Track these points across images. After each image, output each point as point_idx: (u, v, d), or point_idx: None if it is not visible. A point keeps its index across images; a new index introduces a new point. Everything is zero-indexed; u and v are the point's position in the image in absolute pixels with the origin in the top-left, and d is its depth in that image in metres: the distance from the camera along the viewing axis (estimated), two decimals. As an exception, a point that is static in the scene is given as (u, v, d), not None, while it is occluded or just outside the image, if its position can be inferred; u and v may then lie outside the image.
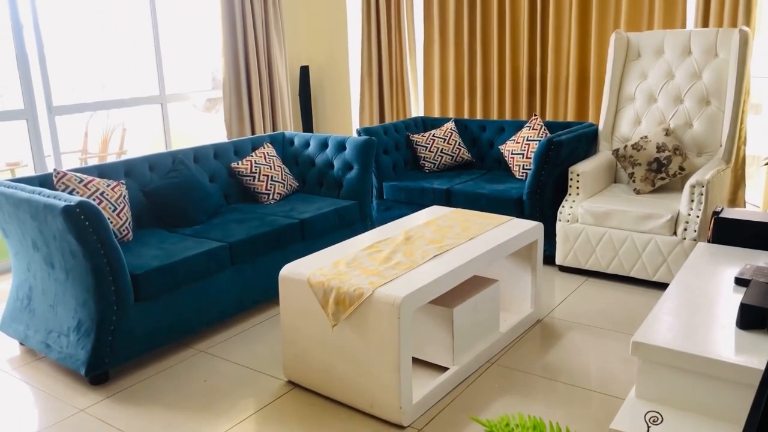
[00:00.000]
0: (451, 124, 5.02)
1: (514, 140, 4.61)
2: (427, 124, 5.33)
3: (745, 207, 4.49)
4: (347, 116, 6.39)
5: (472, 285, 2.96)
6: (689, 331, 1.99)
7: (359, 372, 2.51)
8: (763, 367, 1.78)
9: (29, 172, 5.06)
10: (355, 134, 5.67)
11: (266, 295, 3.59)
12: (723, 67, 3.99)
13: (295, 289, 2.64)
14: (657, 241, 3.60)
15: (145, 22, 5.14)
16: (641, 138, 4.04)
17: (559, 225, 3.93)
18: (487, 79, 5.50)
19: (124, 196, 3.35)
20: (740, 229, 2.75)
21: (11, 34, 4.30)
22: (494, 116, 5.49)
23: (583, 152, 4.32)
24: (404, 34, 5.88)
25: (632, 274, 3.73)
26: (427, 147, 4.92)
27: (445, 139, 4.93)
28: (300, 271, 2.65)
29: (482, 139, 5.04)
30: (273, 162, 4.23)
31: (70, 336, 2.85)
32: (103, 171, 3.55)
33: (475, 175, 4.74)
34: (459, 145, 4.94)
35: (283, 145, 4.56)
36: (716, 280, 2.38)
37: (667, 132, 4.01)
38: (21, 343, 3.23)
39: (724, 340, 1.93)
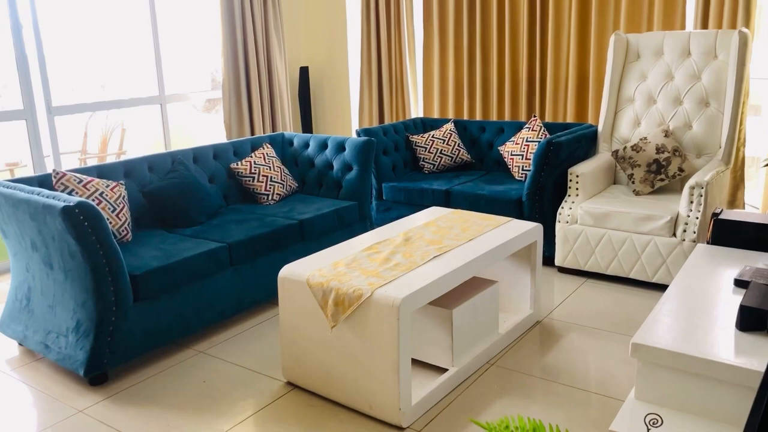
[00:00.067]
0: (450, 125, 5.02)
1: (513, 141, 4.61)
2: (426, 125, 5.33)
3: (744, 208, 4.49)
4: (347, 117, 6.39)
5: (471, 286, 2.96)
6: (689, 333, 1.99)
7: (358, 373, 2.50)
8: (762, 369, 1.78)
9: (28, 172, 5.07)
10: (354, 135, 5.67)
11: (265, 296, 3.59)
12: (722, 69, 3.99)
13: (295, 290, 2.64)
14: (656, 242, 3.60)
15: (144, 22, 5.14)
16: (640, 139, 4.04)
17: (558, 226, 3.93)
18: (486, 80, 5.50)
19: (124, 197, 3.35)
20: (739, 230, 2.76)
21: (11, 35, 4.30)
22: (494, 117, 5.49)
23: (583, 153, 4.32)
24: (404, 34, 5.88)
25: (632, 276, 3.73)
26: (426, 148, 4.92)
27: (444, 140, 4.93)
28: (299, 272, 2.65)
29: (482, 140, 5.04)
30: (272, 163, 4.23)
31: (68, 336, 2.85)
32: (102, 171, 3.55)
33: (474, 176, 4.74)
34: (458, 146, 4.94)
35: (282, 145, 4.55)
36: (716, 282, 2.38)
37: (667, 133, 4.01)
38: (20, 344, 3.23)
39: (723, 341, 1.93)
